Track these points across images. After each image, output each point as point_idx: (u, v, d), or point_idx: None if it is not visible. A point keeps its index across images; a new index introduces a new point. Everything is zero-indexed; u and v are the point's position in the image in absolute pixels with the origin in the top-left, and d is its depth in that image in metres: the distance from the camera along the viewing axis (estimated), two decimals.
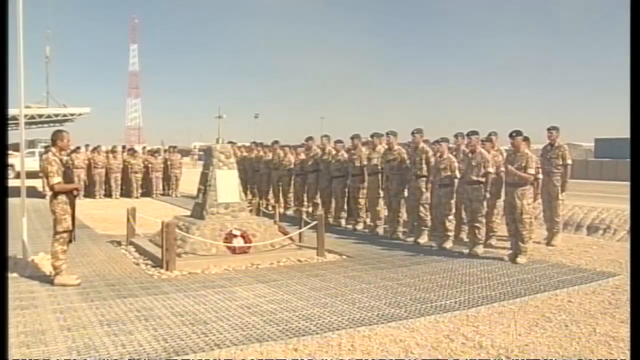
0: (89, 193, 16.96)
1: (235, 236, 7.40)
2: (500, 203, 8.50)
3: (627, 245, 7.77)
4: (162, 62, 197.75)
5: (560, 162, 8.64)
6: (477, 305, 5.24)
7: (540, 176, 8.16)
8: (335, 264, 7.29)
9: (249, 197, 13.63)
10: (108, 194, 17.37)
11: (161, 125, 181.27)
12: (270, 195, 13.80)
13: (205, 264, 6.90)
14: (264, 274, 6.61)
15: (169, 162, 18.84)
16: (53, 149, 5.97)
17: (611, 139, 35.46)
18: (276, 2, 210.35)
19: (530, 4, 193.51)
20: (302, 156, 12.37)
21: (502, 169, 8.01)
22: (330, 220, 10.86)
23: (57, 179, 5.81)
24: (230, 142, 11.32)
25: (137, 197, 17.34)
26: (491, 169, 7.91)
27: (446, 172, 8.22)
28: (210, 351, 3.97)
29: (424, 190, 8.86)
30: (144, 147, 25.44)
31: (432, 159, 8.68)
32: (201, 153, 42.39)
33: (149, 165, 18.22)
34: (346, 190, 10.84)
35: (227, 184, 7.92)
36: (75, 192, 6.06)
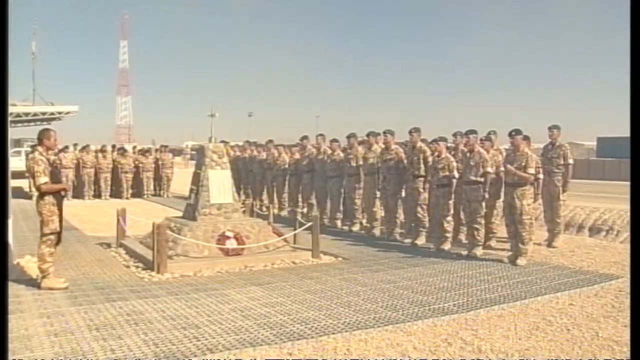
0: (78, 194, 16.79)
1: (228, 238, 7.32)
2: (499, 203, 8.43)
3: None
4: (153, 59, 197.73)
5: (562, 162, 8.56)
6: (476, 308, 5.18)
7: (541, 176, 8.06)
8: (331, 266, 7.24)
9: (243, 197, 13.50)
10: (97, 195, 17.16)
11: (152, 124, 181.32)
12: (264, 196, 13.72)
13: (198, 266, 6.84)
14: (258, 277, 6.55)
15: (160, 162, 18.68)
16: (40, 148, 5.86)
17: (614, 138, 34.94)
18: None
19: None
20: (297, 156, 12.28)
21: (502, 168, 7.93)
22: (326, 221, 10.79)
23: (44, 179, 5.71)
24: (223, 142, 11.17)
25: (127, 198, 17.16)
26: (490, 169, 7.83)
27: (444, 172, 8.15)
28: (203, 356, 3.94)
29: (421, 190, 8.76)
30: (134, 147, 25.21)
31: (430, 159, 8.60)
32: (193, 152, 42.31)
33: (140, 165, 18.04)
34: (342, 190, 10.73)
35: (220, 184, 7.86)
36: (62, 193, 6.02)
